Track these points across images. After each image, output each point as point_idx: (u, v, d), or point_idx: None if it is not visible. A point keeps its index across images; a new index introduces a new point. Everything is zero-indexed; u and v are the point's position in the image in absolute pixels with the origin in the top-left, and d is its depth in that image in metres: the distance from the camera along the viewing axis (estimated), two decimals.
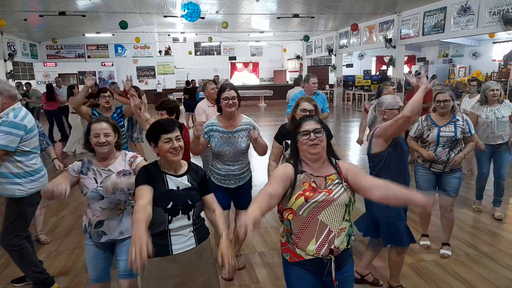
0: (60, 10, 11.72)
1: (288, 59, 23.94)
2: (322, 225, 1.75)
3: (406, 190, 1.77)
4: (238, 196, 3.07)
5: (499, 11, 8.74)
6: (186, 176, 1.98)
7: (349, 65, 21.17)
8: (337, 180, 1.81)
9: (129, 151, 2.48)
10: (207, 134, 2.88)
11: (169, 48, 21.56)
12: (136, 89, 4.13)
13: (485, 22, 9.25)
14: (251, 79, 23.94)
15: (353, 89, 18.14)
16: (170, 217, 1.88)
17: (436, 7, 10.91)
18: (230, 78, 23.22)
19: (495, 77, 13.58)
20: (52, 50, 19.88)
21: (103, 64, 19.77)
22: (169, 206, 1.88)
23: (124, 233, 2.25)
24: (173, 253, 1.91)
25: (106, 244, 2.27)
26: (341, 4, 12.50)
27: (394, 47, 13.13)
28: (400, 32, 12.79)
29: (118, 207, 2.24)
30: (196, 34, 20.18)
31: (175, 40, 22.16)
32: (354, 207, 1.86)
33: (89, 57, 20.36)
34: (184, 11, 9.90)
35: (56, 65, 18.75)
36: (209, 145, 2.93)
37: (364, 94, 16.55)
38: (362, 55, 22.20)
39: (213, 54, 23.50)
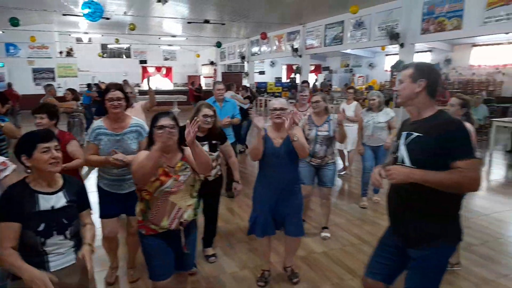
0: None
1: (202, 65, 23.90)
2: (173, 204, 2.12)
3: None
4: (129, 201, 2.87)
5: (386, 27, 9.86)
6: (62, 192, 1.83)
7: (262, 72, 21.93)
8: (183, 166, 2.16)
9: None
10: (95, 138, 2.74)
11: (71, 49, 19.92)
12: (72, 91, 3.67)
13: (376, 36, 10.35)
14: (165, 84, 23.34)
15: (265, 95, 18.81)
16: (42, 239, 1.74)
17: (336, 20, 11.91)
18: (141, 82, 22.36)
19: (387, 86, 15.21)
20: None
21: None
22: (41, 228, 1.73)
23: None
24: (50, 270, 1.76)
25: None
26: (251, 13, 12.91)
27: (300, 56, 13.95)
28: (305, 42, 13.64)
29: None
30: (102, 35, 19.02)
31: (79, 40, 20.63)
32: (198, 185, 2.27)
33: None
34: (85, 10, 9.27)
35: None
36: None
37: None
38: (273, 63, 23.15)
39: (123, 57, 22.41)
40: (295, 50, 13.87)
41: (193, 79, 23.67)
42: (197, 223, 2.38)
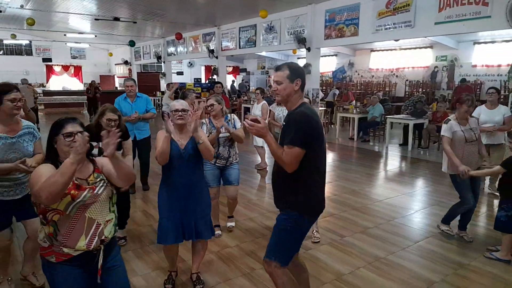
0: None
1: (115, 64, 22.72)
2: (90, 220, 1.86)
3: None
4: (26, 203, 2.69)
5: (294, 32, 10.48)
6: None
7: (180, 73, 21.61)
8: (99, 178, 1.94)
9: None
10: None
11: None
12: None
13: (286, 40, 10.93)
14: (73, 84, 21.69)
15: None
16: None
17: (249, 24, 12.28)
18: (47, 82, 20.52)
19: None
20: None
21: None
22: None
23: None
24: None
25: None
26: (165, 13, 12.67)
27: (217, 57, 14.10)
28: (221, 44, 13.83)
29: None
30: None
31: None
32: (115, 198, 2.04)
33: None
34: None
35: None
36: None
37: (196, 101, 17.16)
38: (191, 64, 22.97)
39: (23, 55, 20.28)
40: (211, 51, 13.98)
41: (106, 79, 22.46)
42: (116, 240, 2.13)
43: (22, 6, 12.25)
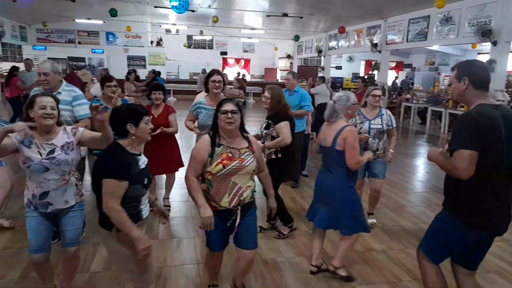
0: None
1: (279, 58, 24.17)
2: (234, 184, 2.31)
3: (270, 190, 2.68)
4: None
5: (477, 23, 9.08)
6: (142, 155, 2.20)
7: (338, 67, 21.51)
8: (247, 152, 2.36)
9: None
10: (195, 110, 3.68)
11: (160, 39, 21.57)
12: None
13: (465, 33, 9.59)
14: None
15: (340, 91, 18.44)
16: (145, 190, 2.14)
17: (421, 15, 11.24)
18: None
19: None
20: (42, 34, 19.75)
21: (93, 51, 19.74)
22: (145, 182, 2.13)
23: (69, 201, 2.39)
24: (143, 218, 2.18)
25: (50, 215, 2.38)
26: (331, 7, 12.75)
27: (380, 51, 13.43)
28: (386, 38, 13.10)
29: (62, 177, 2.33)
30: (188, 27, 20.23)
31: (168, 31, 22.18)
32: (256, 171, 2.44)
33: (79, 43, 20.26)
34: (173, 3, 10.01)
35: (45, 49, 18.65)
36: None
37: None
38: (351, 58, 22.53)
39: (205, 48, 23.59)
40: (374, 45, 13.39)
41: (269, 72, 24.16)
42: (255, 204, 2.53)
43: (209, 6, 14.25)
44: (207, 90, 3.69)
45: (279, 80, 22.96)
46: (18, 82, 8.54)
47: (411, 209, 4.86)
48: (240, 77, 16.20)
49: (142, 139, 2.13)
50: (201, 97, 3.99)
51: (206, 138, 2.34)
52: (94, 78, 8.96)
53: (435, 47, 15.64)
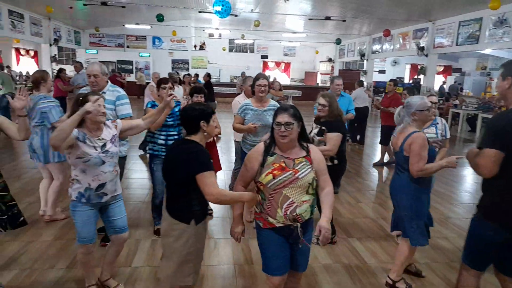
0: (102, 0, 12.38)
1: (320, 61, 23.91)
2: (286, 197, 2.09)
3: (326, 209, 2.16)
4: None
5: None
6: None
7: (382, 71, 20.88)
8: (303, 162, 2.14)
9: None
10: (242, 112, 3.81)
11: (204, 43, 22.10)
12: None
13: None
14: (282, 79, 24.08)
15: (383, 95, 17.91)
16: None
17: (472, 17, 10.67)
18: None
19: None
20: (94, 38, 20.92)
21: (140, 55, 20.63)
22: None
23: (117, 190, 2.61)
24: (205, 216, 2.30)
25: (101, 206, 2.57)
26: (375, 9, 12.44)
27: (427, 55, 12.91)
28: (434, 41, 12.56)
29: (114, 168, 2.55)
30: (230, 31, 20.56)
31: (211, 35, 22.69)
32: (314, 185, 2.16)
33: (128, 47, 21.25)
34: (216, 8, 10.22)
35: (97, 53, 19.73)
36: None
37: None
38: (396, 62, 21.84)
39: (246, 52, 23.85)
40: (421, 48, 12.89)
41: (309, 76, 23.99)
42: (313, 223, 2.27)
43: (252, 10, 14.41)
44: (253, 93, 3.88)
45: (319, 84, 22.71)
46: (59, 83, 9.28)
47: (457, 220, 4.63)
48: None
49: (210, 135, 2.29)
50: (246, 99, 4.12)
51: (260, 146, 2.23)
52: (149, 81, 9.23)
53: (487, 51, 14.77)
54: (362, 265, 3.42)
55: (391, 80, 6.83)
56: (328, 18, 13.78)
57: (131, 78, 19.38)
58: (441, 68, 20.97)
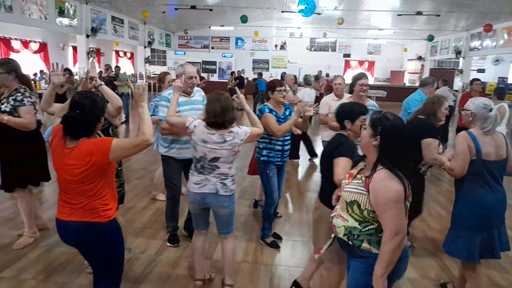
0: (192, 4, 13.12)
1: (408, 60, 22.40)
2: (341, 201, 1.95)
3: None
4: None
5: None
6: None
7: (480, 70, 18.83)
8: (360, 181, 1.83)
9: None
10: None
11: (284, 43, 22.19)
12: None
13: None
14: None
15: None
16: None
17: None
18: (343, 75, 22.84)
19: None
20: (183, 40, 22.34)
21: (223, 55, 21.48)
22: None
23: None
24: None
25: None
26: (475, 2, 11.24)
27: None
28: None
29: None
30: (312, 30, 20.31)
31: (292, 35, 22.68)
32: (356, 209, 1.81)
33: (212, 48, 22.27)
34: (300, 6, 10.13)
35: (185, 54, 21.02)
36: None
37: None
38: (498, 60, 19.53)
39: (328, 51, 23.33)
40: None
41: (396, 75, 22.63)
42: (356, 255, 1.90)
43: (335, 8, 14.05)
44: (351, 92, 3.90)
45: (406, 84, 21.32)
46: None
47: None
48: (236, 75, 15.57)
49: (356, 134, 2.35)
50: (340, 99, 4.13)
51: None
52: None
53: None
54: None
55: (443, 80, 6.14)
56: (419, 13, 12.84)
57: (214, 78, 20.27)
58: None
